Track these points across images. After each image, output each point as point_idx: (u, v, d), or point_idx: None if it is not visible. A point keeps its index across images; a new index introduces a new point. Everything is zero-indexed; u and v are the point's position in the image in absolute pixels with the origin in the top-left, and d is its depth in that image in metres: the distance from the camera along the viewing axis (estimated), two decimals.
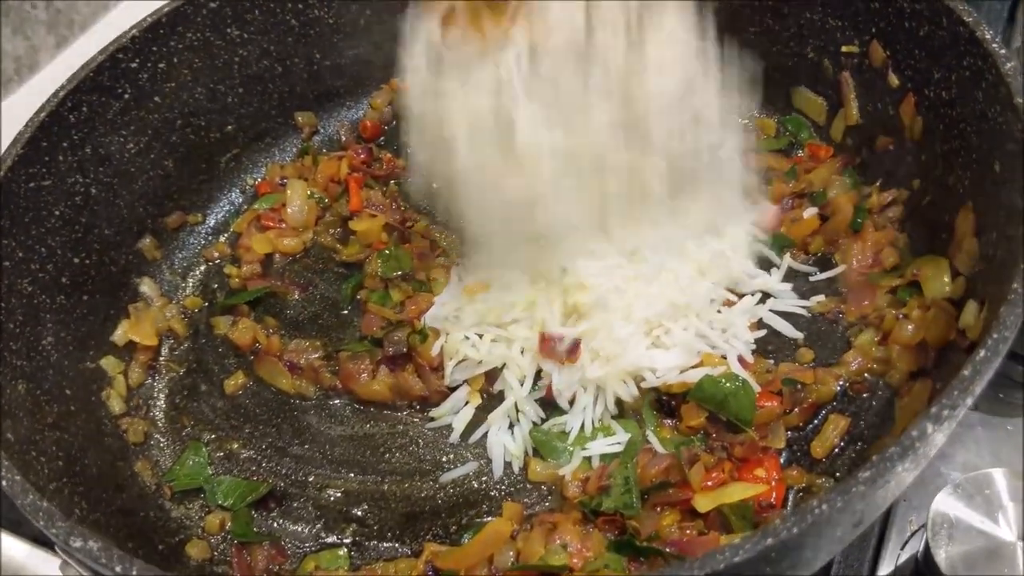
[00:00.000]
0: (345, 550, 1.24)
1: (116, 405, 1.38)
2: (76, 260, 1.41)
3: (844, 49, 1.46)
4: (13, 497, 1.02)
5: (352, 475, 1.30)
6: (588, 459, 1.24)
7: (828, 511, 0.84)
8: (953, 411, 0.89)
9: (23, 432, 1.18)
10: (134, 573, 0.90)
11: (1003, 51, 1.17)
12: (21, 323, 1.29)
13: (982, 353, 0.92)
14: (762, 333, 1.32)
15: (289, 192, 1.59)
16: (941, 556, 1.11)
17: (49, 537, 0.97)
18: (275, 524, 1.28)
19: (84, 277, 1.42)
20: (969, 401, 0.91)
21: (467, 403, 1.33)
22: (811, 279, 1.38)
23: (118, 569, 0.90)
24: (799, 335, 1.32)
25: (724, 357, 1.27)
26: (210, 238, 1.62)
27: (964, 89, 1.24)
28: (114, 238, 1.48)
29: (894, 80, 1.38)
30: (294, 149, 1.72)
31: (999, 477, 1.16)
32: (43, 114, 1.37)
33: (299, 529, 1.26)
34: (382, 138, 1.73)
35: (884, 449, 0.87)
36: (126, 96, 1.47)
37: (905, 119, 1.36)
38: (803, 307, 1.34)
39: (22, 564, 1.34)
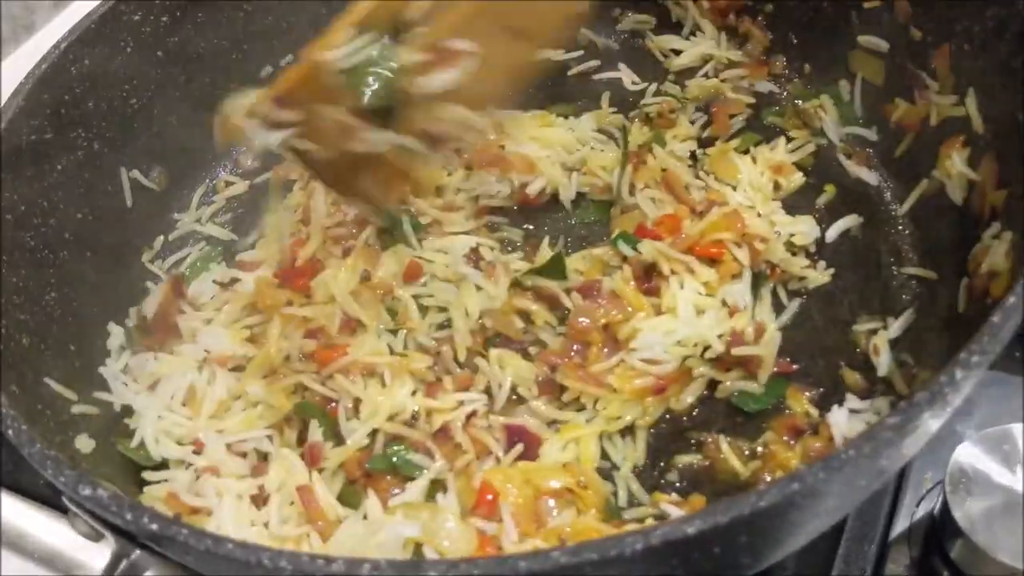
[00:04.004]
0: None
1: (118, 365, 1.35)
2: (79, 216, 1.38)
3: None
4: (20, 447, 1.00)
5: None
6: None
7: (855, 456, 0.82)
8: (983, 356, 0.87)
9: (28, 384, 1.17)
10: (144, 520, 0.87)
11: None
12: (24, 277, 1.26)
13: (1011, 300, 0.91)
14: None
15: None
16: (959, 510, 1.10)
17: (58, 486, 0.95)
18: None
19: (87, 233, 1.39)
20: (998, 349, 0.90)
21: None
22: None
23: (128, 517, 0.88)
24: None
25: None
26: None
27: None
28: (116, 196, 1.46)
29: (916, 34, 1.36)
30: None
31: (1018, 432, 1.15)
32: (44, 65, 1.34)
33: None
34: None
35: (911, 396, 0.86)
36: (128, 49, 1.44)
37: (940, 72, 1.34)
38: None
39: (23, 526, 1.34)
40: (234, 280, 1.41)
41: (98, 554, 1.25)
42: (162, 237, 1.52)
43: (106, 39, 1.40)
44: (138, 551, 0.93)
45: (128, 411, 1.30)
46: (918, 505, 1.23)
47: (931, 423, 0.90)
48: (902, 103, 1.40)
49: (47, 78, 1.34)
